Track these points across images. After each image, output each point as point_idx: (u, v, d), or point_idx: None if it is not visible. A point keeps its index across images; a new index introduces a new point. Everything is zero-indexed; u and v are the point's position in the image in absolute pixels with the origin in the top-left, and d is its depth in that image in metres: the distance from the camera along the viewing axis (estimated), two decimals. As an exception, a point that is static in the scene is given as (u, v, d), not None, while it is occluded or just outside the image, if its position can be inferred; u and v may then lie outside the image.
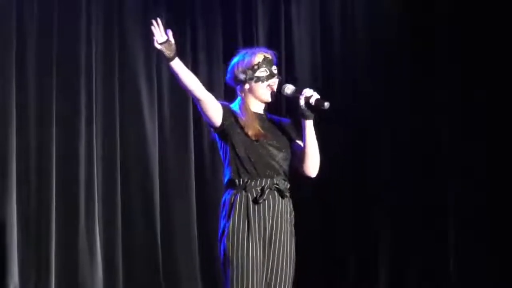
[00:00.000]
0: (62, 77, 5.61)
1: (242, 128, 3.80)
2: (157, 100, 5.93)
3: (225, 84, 5.99)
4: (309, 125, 3.84)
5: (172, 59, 3.63)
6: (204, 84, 6.06)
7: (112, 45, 5.83)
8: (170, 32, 3.64)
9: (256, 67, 3.84)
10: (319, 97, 3.79)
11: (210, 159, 6.05)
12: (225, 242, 3.78)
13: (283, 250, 3.80)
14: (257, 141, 3.79)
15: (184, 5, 6.10)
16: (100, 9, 5.81)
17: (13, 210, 5.35)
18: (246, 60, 3.87)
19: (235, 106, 3.89)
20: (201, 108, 3.78)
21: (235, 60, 3.91)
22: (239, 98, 3.90)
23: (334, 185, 6.08)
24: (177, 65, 3.65)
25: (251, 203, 3.76)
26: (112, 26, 5.84)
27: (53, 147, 5.52)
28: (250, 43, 6.17)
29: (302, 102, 3.80)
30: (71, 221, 5.53)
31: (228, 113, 3.81)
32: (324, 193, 6.03)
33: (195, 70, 6.03)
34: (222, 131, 3.81)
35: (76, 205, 5.55)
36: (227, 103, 3.87)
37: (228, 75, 3.92)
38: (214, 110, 3.78)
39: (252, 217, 3.75)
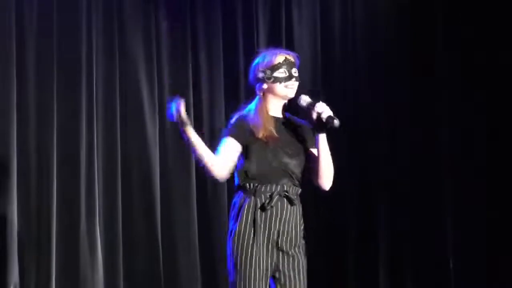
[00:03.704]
0: (62, 78, 5.60)
1: (253, 133, 3.80)
2: (158, 101, 5.92)
3: (225, 84, 6.12)
4: (322, 139, 3.86)
5: (186, 130, 3.75)
6: (204, 85, 6.15)
7: (113, 45, 5.82)
8: (182, 106, 3.75)
9: (275, 67, 3.85)
10: (331, 114, 3.81)
11: (211, 159, 6.04)
12: (231, 244, 3.78)
13: (292, 258, 3.80)
14: (266, 143, 3.79)
15: (184, 6, 6.10)
16: (100, 10, 5.81)
17: (13, 210, 5.35)
18: (266, 60, 3.88)
19: (251, 106, 3.89)
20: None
21: (257, 59, 3.92)
22: (257, 97, 3.91)
23: (333, 186, 6.07)
24: (190, 134, 3.76)
25: (259, 208, 3.77)
26: (113, 26, 5.84)
27: (53, 147, 5.52)
28: (251, 43, 6.18)
29: (314, 116, 3.83)
30: (72, 221, 5.52)
31: (242, 135, 3.82)
32: (324, 195, 6.03)
33: (195, 70, 6.06)
34: (245, 147, 3.84)
35: (77, 205, 5.54)
36: (237, 121, 3.86)
37: (250, 75, 3.93)
38: (236, 152, 3.82)
39: (258, 223, 3.76)
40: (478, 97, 6.21)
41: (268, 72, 3.85)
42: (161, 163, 5.88)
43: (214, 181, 3.83)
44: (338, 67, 6.41)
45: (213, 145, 5.96)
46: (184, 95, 5.96)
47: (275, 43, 6.11)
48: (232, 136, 3.82)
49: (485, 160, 6.20)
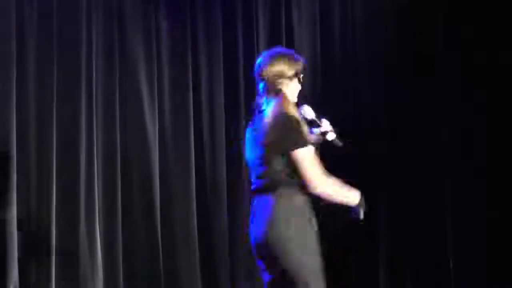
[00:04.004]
0: (62, 78, 5.61)
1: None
2: (158, 101, 5.93)
3: (225, 84, 6.11)
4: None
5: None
6: (204, 85, 6.16)
7: (113, 45, 5.83)
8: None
9: (303, 71, 3.85)
10: (335, 136, 3.89)
11: (210, 160, 6.05)
12: (307, 241, 3.71)
13: None
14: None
15: (184, 6, 6.10)
16: (100, 10, 5.81)
17: (13, 210, 5.35)
18: (299, 62, 3.84)
19: (281, 104, 3.77)
20: None
21: (283, 55, 3.84)
22: (282, 94, 3.79)
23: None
24: None
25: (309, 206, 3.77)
26: (113, 26, 5.84)
27: (53, 147, 5.52)
28: (251, 43, 6.18)
29: (316, 131, 3.91)
30: (72, 221, 5.53)
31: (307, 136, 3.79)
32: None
33: (195, 71, 6.06)
34: None
35: (77, 205, 5.55)
36: (296, 124, 3.72)
37: (274, 68, 3.80)
38: None
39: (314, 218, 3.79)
40: (478, 97, 6.21)
41: (300, 73, 3.84)
42: (160, 163, 5.88)
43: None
44: (338, 67, 6.41)
45: (212, 147, 6.03)
46: (184, 95, 6.01)
47: (275, 43, 6.10)
48: (308, 143, 3.71)
49: (485, 160, 6.20)
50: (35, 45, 5.57)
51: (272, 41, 6.20)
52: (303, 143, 3.67)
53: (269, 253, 3.69)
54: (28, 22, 5.57)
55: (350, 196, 3.85)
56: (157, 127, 5.89)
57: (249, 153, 3.85)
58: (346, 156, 6.12)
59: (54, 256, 5.43)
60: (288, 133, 3.68)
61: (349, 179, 6.07)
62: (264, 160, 3.73)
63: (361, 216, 3.87)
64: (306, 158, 3.67)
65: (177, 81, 6.02)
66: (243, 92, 6.12)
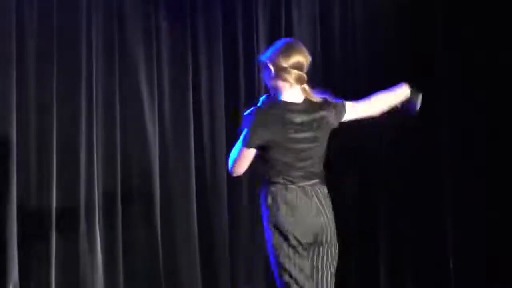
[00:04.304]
0: (62, 78, 5.61)
1: None
2: (158, 101, 5.93)
3: (225, 84, 6.11)
4: None
5: None
6: (204, 85, 6.15)
7: (113, 45, 5.83)
8: None
9: None
10: None
11: (211, 159, 6.05)
12: None
13: None
14: None
15: (184, 6, 6.10)
16: (100, 10, 5.81)
17: (13, 210, 5.35)
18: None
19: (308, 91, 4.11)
20: None
21: (301, 46, 4.08)
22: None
23: (333, 186, 6.07)
24: None
25: None
26: (113, 26, 5.84)
27: (53, 148, 5.52)
28: (251, 43, 6.18)
29: None
30: (72, 221, 5.53)
31: None
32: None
33: (195, 71, 6.06)
34: None
35: (77, 205, 5.55)
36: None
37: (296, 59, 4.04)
38: None
39: None
40: (478, 97, 6.21)
41: None
42: (161, 163, 5.88)
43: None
44: (338, 67, 6.41)
45: (213, 146, 6.03)
46: (184, 95, 6.01)
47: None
48: None
49: (485, 160, 6.20)
50: (35, 45, 5.57)
51: (272, 42, 6.16)
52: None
53: (334, 240, 4.06)
54: (28, 22, 5.57)
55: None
56: (157, 127, 5.89)
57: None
58: (346, 156, 6.18)
59: (54, 256, 5.43)
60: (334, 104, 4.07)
61: (349, 179, 6.20)
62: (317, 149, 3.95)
63: (418, 105, 4.27)
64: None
65: (177, 81, 6.01)
66: (243, 92, 6.11)
